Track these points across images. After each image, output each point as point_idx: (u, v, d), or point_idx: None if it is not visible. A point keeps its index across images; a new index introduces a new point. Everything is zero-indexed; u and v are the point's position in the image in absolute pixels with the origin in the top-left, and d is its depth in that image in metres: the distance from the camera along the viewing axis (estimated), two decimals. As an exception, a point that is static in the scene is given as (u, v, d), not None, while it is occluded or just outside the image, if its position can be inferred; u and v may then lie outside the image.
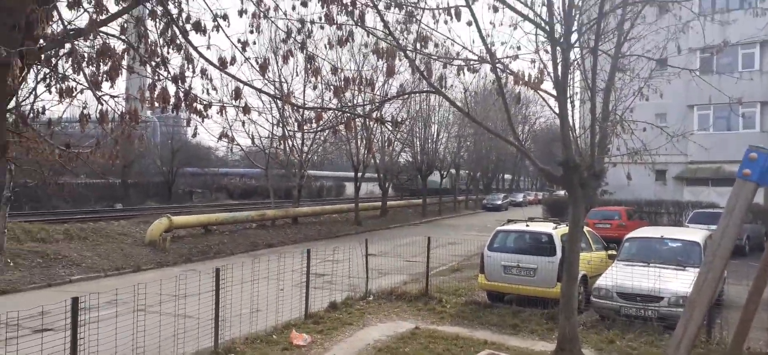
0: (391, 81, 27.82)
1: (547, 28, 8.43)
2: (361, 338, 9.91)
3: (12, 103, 5.75)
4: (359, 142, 33.94)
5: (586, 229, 12.71)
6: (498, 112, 35.97)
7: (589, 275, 12.16)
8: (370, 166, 38.52)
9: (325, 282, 14.34)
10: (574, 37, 9.00)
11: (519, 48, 8.90)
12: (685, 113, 30.65)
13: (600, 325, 10.55)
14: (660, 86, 10.09)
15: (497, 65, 8.26)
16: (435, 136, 43.32)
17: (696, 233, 13.16)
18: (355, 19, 6.50)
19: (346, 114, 7.18)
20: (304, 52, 6.20)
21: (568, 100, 8.85)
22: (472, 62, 8.13)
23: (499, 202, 55.93)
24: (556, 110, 8.84)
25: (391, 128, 10.51)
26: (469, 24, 7.92)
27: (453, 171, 53.81)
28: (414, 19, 7.23)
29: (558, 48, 8.46)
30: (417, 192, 53.54)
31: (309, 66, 6.05)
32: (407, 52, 7.42)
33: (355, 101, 14.23)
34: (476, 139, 47.65)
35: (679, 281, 10.49)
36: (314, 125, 6.16)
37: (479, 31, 8.06)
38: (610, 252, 13.66)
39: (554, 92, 8.74)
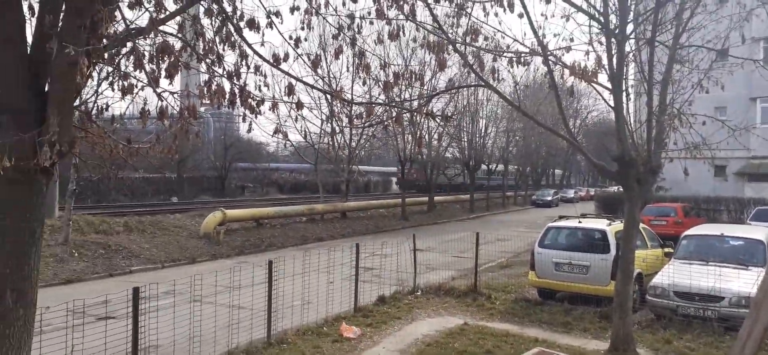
0: (438, 75, 27.77)
1: (601, 19, 8.23)
2: (409, 332, 9.94)
3: (77, 101, 6.02)
4: (406, 138, 33.95)
5: (641, 226, 12.36)
6: (548, 105, 35.26)
7: (645, 273, 11.82)
8: (417, 161, 38.47)
9: (373, 276, 14.43)
10: (629, 27, 8.75)
11: (572, 40, 8.68)
12: (748, 106, 29.35)
13: (655, 325, 10.25)
14: (721, 78, 9.69)
15: (549, 58, 8.12)
16: (483, 130, 42.90)
17: (759, 231, 12.58)
18: (406, 13, 6.50)
19: (395, 109, 7.19)
20: (355, 48, 6.24)
21: (624, 93, 8.62)
22: (523, 55, 8.02)
23: (549, 198, 54.91)
24: (611, 103, 8.62)
25: (440, 122, 10.46)
26: (521, 16, 7.79)
27: (501, 166, 53.16)
28: (464, 12, 7.18)
29: (613, 39, 8.24)
30: (462, 187, 53.20)
31: (359, 62, 6.09)
32: (457, 45, 7.38)
33: (402, 96, 14.23)
34: (525, 133, 46.89)
35: (741, 281, 10.07)
36: (364, 120, 6.20)
37: (531, 23, 7.94)
38: (666, 250, 13.23)
39: (609, 85, 8.53)
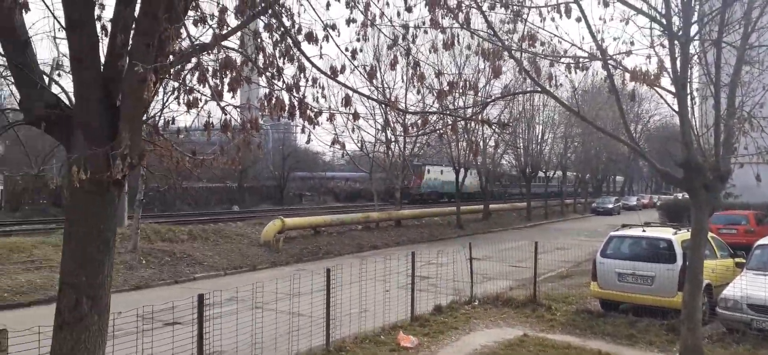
0: (492, 82, 27.47)
1: (663, 21, 7.96)
2: (467, 342, 9.85)
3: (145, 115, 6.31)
4: (459, 145, 33.74)
5: (709, 235, 11.83)
6: (608, 110, 34.29)
7: (714, 285, 11.28)
8: (471, 169, 38.12)
9: (429, 285, 14.39)
10: (693, 29, 8.41)
11: (632, 43, 8.43)
12: (826, 107, 27.57)
13: (727, 338, 9.76)
14: (795, 79, 9.18)
15: (609, 62, 7.91)
16: (540, 136, 42.08)
17: (843, 241, 11.80)
18: (461, 21, 6.50)
19: (450, 117, 7.18)
20: (409, 57, 6.29)
21: (688, 97, 8.29)
22: (581, 60, 7.85)
23: (610, 205, 53.23)
24: (675, 108, 8.30)
25: (497, 130, 10.35)
26: (578, 20, 7.64)
27: (559, 173, 51.97)
28: (520, 18, 7.11)
29: (676, 42, 7.95)
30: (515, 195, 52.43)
31: (414, 71, 6.12)
32: (512, 51, 7.31)
33: (455, 104, 14.20)
34: (584, 139, 45.67)
35: (822, 293, 9.47)
36: (420, 129, 6.22)
37: (589, 27, 7.76)
38: (737, 260, 12.60)
39: (672, 89, 8.22)
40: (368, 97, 6.67)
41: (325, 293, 9.18)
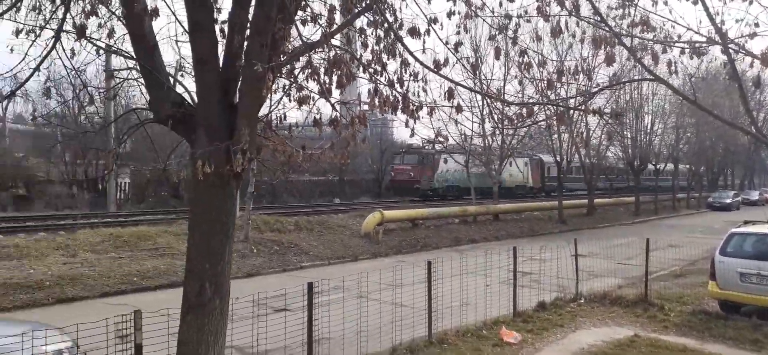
0: (597, 70, 26.25)
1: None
2: (573, 340, 9.55)
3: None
4: (560, 136, 32.58)
5: None
6: (725, 98, 31.74)
7: None
8: (574, 161, 36.68)
9: (531, 281, 14.07)
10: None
11: (757, 24, 7.74)
12: None
13: None
14: None
15: (729, 46, 7.32)
16: (649, 127, 39.74)
17: None
18: (569, 8, 6.29)
19: (557, 108, 6.96)
20: (516, 46, 6.17)
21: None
22: (697, 45, 7.33)
23: (729, 200, 49.29)
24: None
25: (608, 120, 9.92)
26: (695, 2, 7.14)
27: (671, 166, 48.82)
28: (631, 2, 6.76)
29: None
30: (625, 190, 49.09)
31: (521, 60, 6.00)
32: (622, 38, 6.96)
33: (557, 94, 13.68)
34: (699, 129, 42.54)
35: None
36: (526, 120, 6.10)
37: (706, 9, 7.21)
38: None
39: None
40: (472, 90, 6.60)
41: (427, 285, 9.24)
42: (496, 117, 26.22)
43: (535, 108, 7.80)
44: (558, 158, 33.96)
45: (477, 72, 6.18)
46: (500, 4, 6.77)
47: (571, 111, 8.34)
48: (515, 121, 6.74)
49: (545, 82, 6.20)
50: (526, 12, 6.49)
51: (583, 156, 36.15)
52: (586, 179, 39.36)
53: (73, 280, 13.34)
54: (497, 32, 6.69)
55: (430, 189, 40.58)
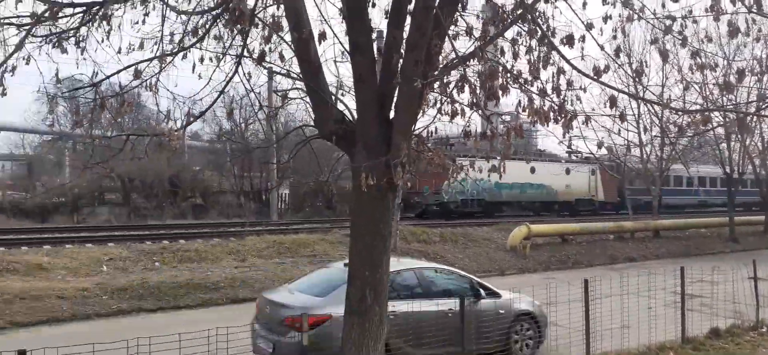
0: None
1: None
2: (755, 373, 8.55)
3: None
4: (732, 146, 29.30)
5: None
6: None
7: None
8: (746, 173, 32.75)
9: (701, 305, 12.79)
10: None
11: None
12: None
13: None
14: None
15: None
16: None
17: None
18: (748, 5, 5.71)
19: (735, 113, 6.32)
20: (687, 47, 5.71)
21: None
22: None
23: None
24: None
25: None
26: None
27: None
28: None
29: None
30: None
31: (694, 62, 5.55)
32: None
33: (733, 100, 12.36)
34: None
35: None
36: (700, 127, 5.62)
37: None
38: None
39: None
40: (635, 97, 6.24)
41: (584, 304, 8.82)
42: (659, 126, 24.31)
43: (711, 115, 7.17)
44: (728, 170, 30.62)
45: (640, 78, 5.81)
46: (663, 6, 6.34)
47: (753, 116, 7.53)
48: (686, 130, 6.22)
49: (721, 84, 5.66)
50: (690, 12, 6.02)
51: (758, 167, 32.23)
52: (761, 193, 35.00)
53: (244, 282, 14.63)
54: (662, 34, 6.27)
55: (437, 203, 30.68)
